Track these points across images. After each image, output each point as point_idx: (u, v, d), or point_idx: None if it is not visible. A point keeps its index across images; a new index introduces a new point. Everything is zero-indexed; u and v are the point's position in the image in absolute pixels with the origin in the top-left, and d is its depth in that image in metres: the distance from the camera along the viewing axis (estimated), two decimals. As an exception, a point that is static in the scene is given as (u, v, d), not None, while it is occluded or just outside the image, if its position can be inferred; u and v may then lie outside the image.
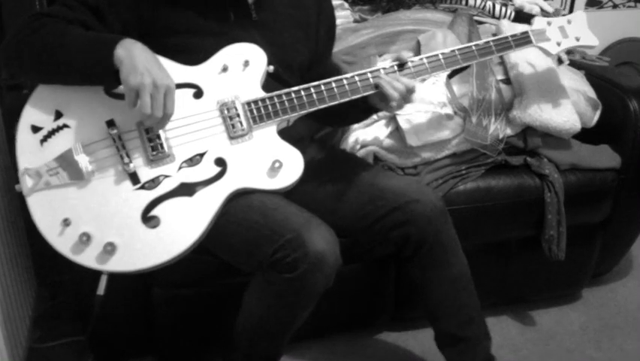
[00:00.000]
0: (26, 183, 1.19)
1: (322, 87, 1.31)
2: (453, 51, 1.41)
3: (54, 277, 1.91)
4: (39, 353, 1.69)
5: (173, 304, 1.54)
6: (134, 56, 1.14)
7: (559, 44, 1.54)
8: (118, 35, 1.19)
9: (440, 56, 1.39)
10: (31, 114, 1.22)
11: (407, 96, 1.32)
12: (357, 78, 1.33)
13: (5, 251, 1.55)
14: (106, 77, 1.17)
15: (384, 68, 1.35)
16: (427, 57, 1.38)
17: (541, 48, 1.55)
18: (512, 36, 1.48)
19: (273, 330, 1.32)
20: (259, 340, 1.33)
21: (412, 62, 1.36)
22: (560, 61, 1.66)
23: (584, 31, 1.56)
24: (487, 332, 1.52)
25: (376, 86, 1.33)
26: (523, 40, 1.49)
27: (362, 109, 1.43)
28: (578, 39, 1.55)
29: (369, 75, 1.33)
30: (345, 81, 1.33)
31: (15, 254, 1.65)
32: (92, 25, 1.23)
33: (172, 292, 1.52)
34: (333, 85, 1.32)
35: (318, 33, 1.49)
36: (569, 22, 1.55)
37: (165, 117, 1.17)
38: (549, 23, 1.54)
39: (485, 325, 1.52)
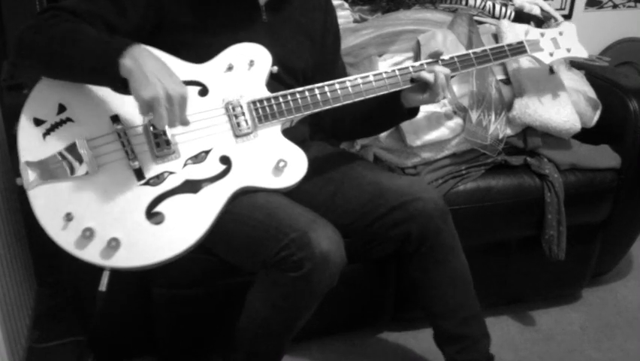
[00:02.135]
0: (27, 176, 1.17)
1: (326, 89, 1.33)
2: (452, 58, 1.43)
3: (54, 277, 1.91)
4: (39, 352, 1.69)
5: (174, 304, 1.54)
6: (142, 65, 1.11)
7: (551, 55, 1.59)
8: (124, 41, 1.15)
9: (440, 63, 1.40)
10: (33, 107, 1.21)
11: (445, 80, 1.36)
12: (360, 81, 1.35)
13: (5, 251, 1.55)
14: (113, 85, 1.15)
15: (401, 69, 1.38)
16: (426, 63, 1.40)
17: (535, 58, 1.60)
18: (508, 45, 1.53)
19: (276, 330, 1.32)
20: (262, 339, 1.33)
21: (413, 66, 1.39)
22: (551, 70, 1.70)
23: (574, 43, 1.62)
24: (485, 330, 1.52)
25: (412, 80, 1.37)
26: (518, 49, 1.54)
27: (392, 114, 1.46)
28: (569, 50, 1.61)
29: (383, 75, 1.36)
30: (348, 83, 1.34)
31: (15, 254, 1.65)
32: (110, 19, 1.23)
33: (172, 293, 1.51)
34: (337, 87, 1.33)
35: (324, 42, 1.50)
36: (560, 33, 1.61)
37: (180, 125, 1.16)
38: (542, 34, 1.59)
39: (484, 323, 1.52)
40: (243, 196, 1.26)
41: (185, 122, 1.16)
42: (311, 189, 1.42)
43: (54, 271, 1.88)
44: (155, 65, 1.13)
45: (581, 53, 1.62)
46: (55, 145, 1.19)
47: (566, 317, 1.90)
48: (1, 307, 1.44)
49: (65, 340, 1.72)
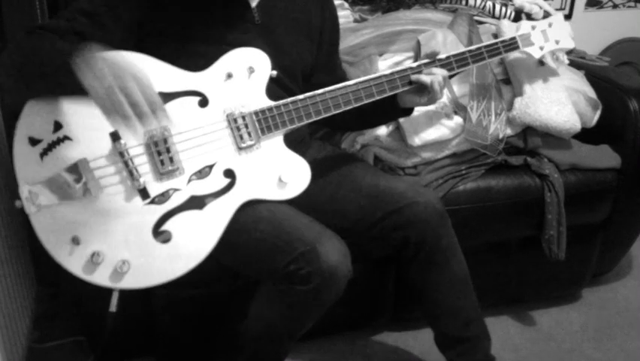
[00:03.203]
0: (29, 200, 1.13)
1: (327, 95, 1.31)
2: (448, 57, 1.43)
3: (54, 277, 1.90)
4: (39, 353, 1.69)
5: (174, 305, 1.54)
6: (89, 63, 1.01)
7: (542, 48, 1.60)
8: (74, 49, 1.04)
9: (437, 63, 1.41)
10: (27, 125, 1.15)
11: (443, 82, 1.38)
12: (360, 86, 1.34)
13: (5, 251, 1.55)
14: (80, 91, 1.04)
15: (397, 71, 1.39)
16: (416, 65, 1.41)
17: (526, 52, 1.60)
18: (502, 42, 1.54)
19: (280, 336, 1.32)
20: (266, 344, 1.34)
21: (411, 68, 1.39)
22: (541, 63, 1.71)
23: (562, 34, 1.63)
24: (486, 331, 1.52)
25: (410, 83, 1.37)
26: (511, 45, 1.55)
27: (386, 112, 1.46)
28: (557, 42, 1.62)
29: (382, 80, 1.36)
30: (348, 89, 1.33)
31: (15, 254, 1.65)
32: (90, 35, 1.16)
33: (173, 293, 1.51)
34: (337, 93, 1.32)
35: (322, 39, 1.48)
36: (549, 25, 1.62)
37: (155, 109, 1.02)
38: (533, 27, 1.60)
39: (484, 325, 1.52)
40: (247, 207, 1.25)
41: (153, 101, 1.02)
42: (310, 191, 1.42)
43: (54, 271, 1.88)
44: (101, 56, 1.02)
45: (569, 43, 1.63)
46: (54, 166, 1.14)
47: (566, 317, 1.90)
48: (1, 308, 1.44)
49: (65, 340, 1.72)
